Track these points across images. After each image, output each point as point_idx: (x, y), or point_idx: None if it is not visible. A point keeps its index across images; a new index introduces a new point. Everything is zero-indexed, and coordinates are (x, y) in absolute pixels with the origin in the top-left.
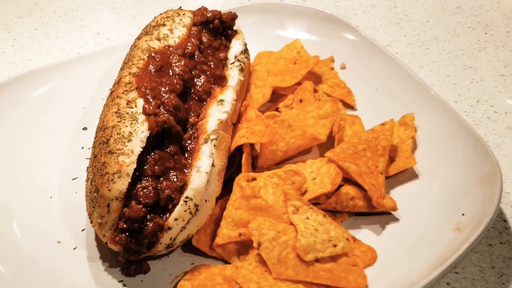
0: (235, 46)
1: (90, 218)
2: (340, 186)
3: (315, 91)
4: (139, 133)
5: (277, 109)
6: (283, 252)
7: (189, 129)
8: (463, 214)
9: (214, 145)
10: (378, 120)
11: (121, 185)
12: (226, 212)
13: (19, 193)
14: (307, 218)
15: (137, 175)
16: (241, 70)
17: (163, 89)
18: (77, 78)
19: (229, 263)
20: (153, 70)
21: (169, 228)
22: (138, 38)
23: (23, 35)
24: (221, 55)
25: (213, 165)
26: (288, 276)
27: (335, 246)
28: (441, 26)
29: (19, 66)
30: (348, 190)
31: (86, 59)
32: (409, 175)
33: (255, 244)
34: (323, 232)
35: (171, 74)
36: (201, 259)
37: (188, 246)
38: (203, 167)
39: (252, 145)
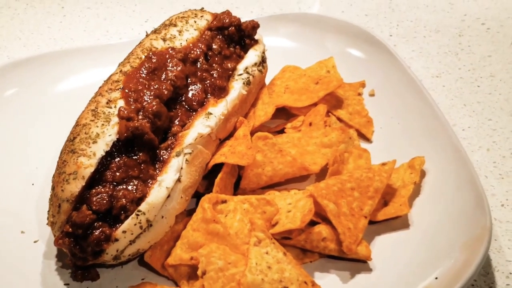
0: (249, 57)
1: (47, 214)
2: (315, 224)
3: (328, 115)
4: (107, 136)
5: (283, 130)
6: (226, 285)
7: (170, 138)
8: (436, 278)
9: (186, 160)
10: (389, 158)
11: (74, 187)
12: (184, 232)
13: (2, 173)
14: (267, 253)
15: (97, 179)
16: (247, 83)
17: (148, 93)
18: (90, 67)
19: (179, 286)
20: (145, 71)
21: (116, 240)
22: (146, 36)
23: (74, 13)
24: (229, 65)
25: (179, 180)
26: None
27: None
28: (502, 64)
29: (59, 43)
30: (322, 230)
31: (111, 48)
32: (400, 222)
33: (199, 272)
34: (276, 271)
35: (163, 78)
36: (153, 276)
37: (144, 260)
38: (166, 181)
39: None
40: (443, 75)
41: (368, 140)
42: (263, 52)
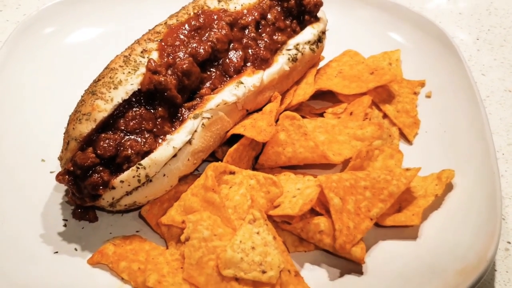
0: (305, 34)
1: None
2: (318, 215)
3: (372, 108)
4: (129, 84)
5: (323, 113)
6: (205, 256)
7: (196, 99)
8: None
9: (203, 124)
10: (423, 164)
11: (85, 128)
12: (184, 194)
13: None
14: (257, 233)
15: (110, 124)
16: (293, 60)
17: (184, 50)
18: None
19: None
20: (188, 28)
21: (113, 188)
22: None
23: None
24: (280, 37)
25: (189, 142)
26: (197, 283)
27: (263, 272)
28: None
29: None
30: (321, 222)
31: None
32: (410, 232)
33: (182, 237)
34: (259, 253)
35: (204, 38)
36: (148, 230)
37: None
38: (175, 141)
39: None
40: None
41: (408, 141)
42: (322, 32)
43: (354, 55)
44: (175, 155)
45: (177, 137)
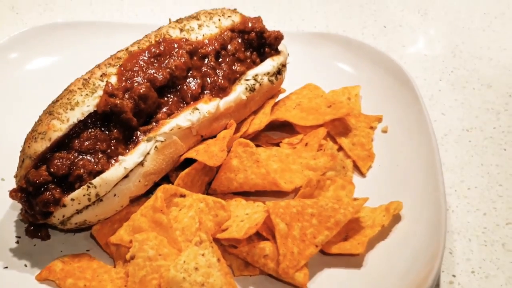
0: (264, 66)
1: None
2: (265, 240)
3: (326, 140)
4: (85, 106)
5: (279, 143)
6: (149, 275)
7: (152, 123)
8: None
9: (156, 147)
10: (374, 196)
11: (39, 146)
12: (133, 215)
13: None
14: (203, 255)
15: (65, 144)
16: (251, 90)
17: (142, 75)
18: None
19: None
20: (148, 55)
21: (64, 205)
22: (169, 23)
23: None
24: (239, 68)
25: (141, 164)
26: None
27: None
28: None
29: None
30: (266, 246)
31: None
32: (355, 260)
33: (127, 256)
34: (202, 274)
35: (163, 65)
36: (98, 250)
37: None
38: (127, 162)
39: None
40: (474, 131)
41: (362, 174)
42: (282, 65)
43: (313, 88)
44: (126, 176)
45: (129, 159)
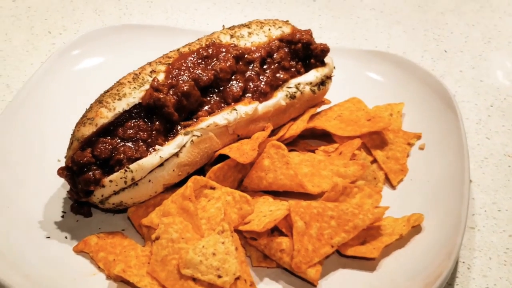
0: (308, 76)
1: None
2: (284, 236)
3: (366, 151)
4: (131, 97)
5: (314, 150)
6: (170, 255)
7: (193, 119)
8: None
9: (192, 141)
10: (400, 208)
11: (86, 131)
12: (165, 200)
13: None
14: (222, 243)
15: (111, 131)
16: (291, 97)
17: (188, 74)
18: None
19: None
20: (196, 56)
21: (103, 186)
22: (222, 29)
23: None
24: (282, 76)
25: (176, 155)
26: (158, 277)
27: (219, 276)
28: None
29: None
30: (283, 241)
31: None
32: (369, 265)
33: (153, 236)
34: (219, 260)
35: (209, 67)
36: (132, 230)
37: None
38: (163, 151)
39: None
40: None
41: (392, 186)
42: (326, 76)
43: (357, 102)
44: (161, 165)
45: (166, 149)
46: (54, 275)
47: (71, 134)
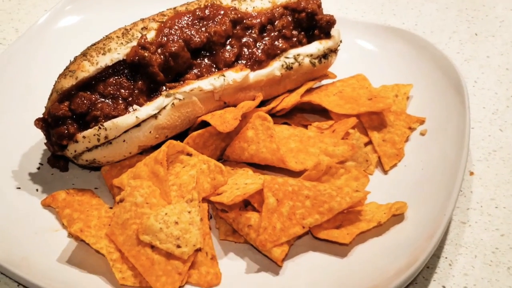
0: (309, 47)
1: None
2: (256, 211)
3: (363, 132)
4: (115, 53)
5: (307, 125)
6: (132, 219)
7: (180, 81)
8: None
9: (173, 103)
10: (387, 194)
11: (66, 83)
12: (138, 163)
13: None
14: (189, 212)
15: (92, 85)
16: (287, 68)
17: (179, 34)
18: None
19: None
20: (192, 17)
21: (76, 141)
22: None
23: None
24: (281, 45)
25: (155, 117)
26: (115, 240)
27: (178, 246)
28: None
29: None
30: (252, 217)
31: None
32: (341, 250)
33: (117, 198)
34: (181, 229)
35: (204, 29)
36: (105, 189)
37: None
38: (141, 112)
39: None
40: None
41: (384, 171)
42: (330, 49)
43: (361, 79)
44: (138, 125)
45: (144, 109)
46: (15, 226)
47: (53, 85)
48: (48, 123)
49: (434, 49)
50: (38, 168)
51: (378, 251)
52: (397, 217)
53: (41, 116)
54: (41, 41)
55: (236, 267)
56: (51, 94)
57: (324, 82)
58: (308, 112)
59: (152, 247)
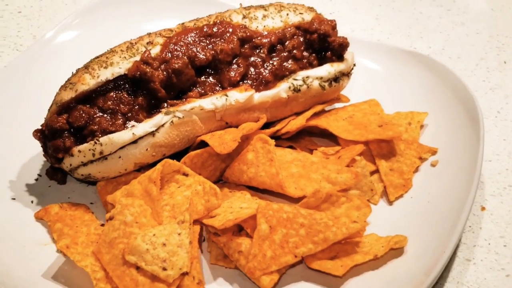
0: (320, 69)
1: None
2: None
3: (370, 160)
4: (117, 67)
5: (312, 150)
6: (119, 238)
7: (182, 98)
8: None
9: (172, 121)
10: (390, 226)
11: (66, 95)
12: (133, 180)
13: None
14: (179, 234)
15: (92, 99)
16: (295, 90)
17: (184, 51)
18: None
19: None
20: (199, 33)
21: (72, 155)
22: (239, 7)
23: None
24: (290, 66)
25: (152, 134)
26: (101, 259)
27: (163, 269)
28: None
29: None
30: (243, 243)
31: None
32: (333, 282)
33: (107, 215)
34: (168, 251)
35: (211, 46)
36: (100, 205)
37: None
38: (138, 128)
39: None
40: None
41: (389, 201)
42: (342, 73)
43: (373, 105)
44: (135, 142)
45: (141, 126)
46: (5, 237)
47: (54, 97)
48: (45, 135)
49: (454, 77)
50: (36, 180)
51: (374, 285)
52: (396, 251)
53: (40, 127)
54: (48, 53)
55: None
56: (51, 106)
57: (337, 105)
58: (317, 136)
59: (138, 268)
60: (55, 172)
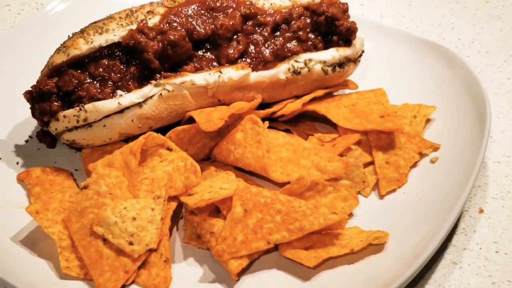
0: (324, 53)
1: None
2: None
3: (367, 151)
4: (112, 34)
5: (310, 134)
6: (90, 208)
7: (177, 71)
8: None
9: (161, 94)
10: (376, 221)
11: (58, 59)
12: (116, 150)
13: None
14: (152, 209)
15: (84, 64)
16: (294, 72)
17: (183, 23)
18: None
19: None
20: (202, 6)
21: (57, 119)
22: None
23: None
24: (293, 47)
25: (139, 105)
26: (70, 227)
27: (130, 243)
28: None
29: None
30: (216, 224)
31: None
32: (305, 272)
33: (82, 184)
34: (137, 226)
35: (211, 21)
36: (84, 173)
37: None
38: (125, 98)
39: None
40: None
41: (381, 195)
42: (348, 59)
43: (380, 94)
44: (121, 112)
45: (128, 96)
46: None
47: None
48: (33, 97)
49: (468, 72)
50: (26, 141)
51: (347, 280)
52: (376, 247)
53: (30, 89)
54: (57, 16)
55: (191, 274)
56: (43, 68)
57: (341, 91)
58: (321, 122)
59: (104, 240)
60: (45, 135)
